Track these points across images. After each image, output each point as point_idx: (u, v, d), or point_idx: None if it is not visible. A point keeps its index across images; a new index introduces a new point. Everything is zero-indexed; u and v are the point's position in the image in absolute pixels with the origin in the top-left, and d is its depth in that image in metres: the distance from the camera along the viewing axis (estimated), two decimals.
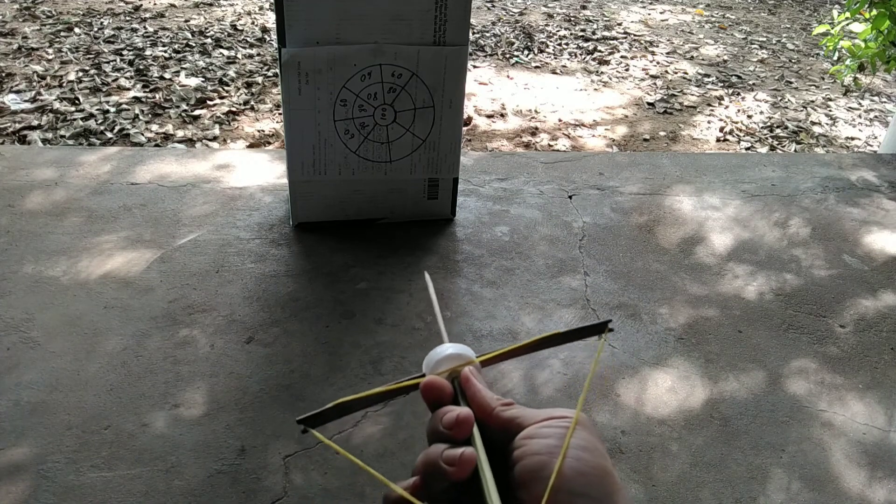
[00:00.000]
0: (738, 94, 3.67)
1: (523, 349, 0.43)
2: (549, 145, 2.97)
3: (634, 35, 4.46)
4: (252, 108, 3.05)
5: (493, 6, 4.81)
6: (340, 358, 1.59)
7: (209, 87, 3.18)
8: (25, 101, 2.90)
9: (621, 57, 4.04)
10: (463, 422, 0.37)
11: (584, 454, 0.35)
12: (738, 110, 3.47)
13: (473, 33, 4.18)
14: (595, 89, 3.57)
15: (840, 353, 1.74)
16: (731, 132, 3.22)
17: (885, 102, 3.78)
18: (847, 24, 2.80)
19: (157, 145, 2.68)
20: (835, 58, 4.23)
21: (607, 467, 0.36)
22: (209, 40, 3.73)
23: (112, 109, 2.89)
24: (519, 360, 1.55)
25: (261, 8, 4.36)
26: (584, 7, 5.00)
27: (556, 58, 3.97)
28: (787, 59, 4.31)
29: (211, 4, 4.34)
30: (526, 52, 4.01)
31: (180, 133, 2.79)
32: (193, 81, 3.22)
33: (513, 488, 0.36)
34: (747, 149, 3.08)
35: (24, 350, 1.55)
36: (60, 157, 2.28)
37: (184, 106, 2.99)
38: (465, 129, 3.02)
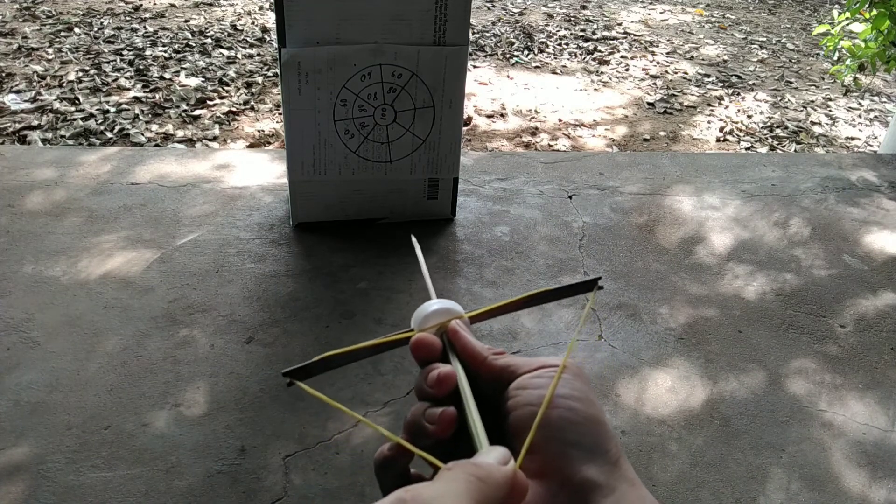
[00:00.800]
0: (738, 94, 3.67)
1: (513, 305, 0.43)
2: (549, 145, 2.97)
3: (634, 35, 4.46)
4: (252, 108, 3.05)
5: (493, 6, 4.81)
6: None
7: (209, 87, 3.18)
8: (25, 101, 2.90)
9: (621, 57, 4.04)
10: (444, 379, 0.37)
11: (576, 404, 0.35)
12: (738, 110, 3.47)
13: (473, 33, 4.18)
14: (595, 89, 3.57)
15: (840, 353, 1.74)
16: (731, 132, 3.22)
17: (885, 102, 3.78)
18: (847, 24, 2.80)
19: (157, 145, 2.68)
20: (835, 58, 4.23)
21: (599, 417, 0.36)
22: (209, 40, 3.73)
23: (112, 109, 2.89)
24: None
25: (261, 8, 4.37)
26: (584, 7, 5.00)
27: (556, 58, 3.97)
28: (787, 59, 4.31)
29: (211, 4, 4.35)
30: (526, 52, 4.01)
31: (180, 133, 2.79)
32: (193, 81, 3.22)
33: (507, 439, 0.36)
34: (747, 149, 3.08)
35: (24, 350, 1.55)
36: (60, 157, 2.28)
37: (184, 106, 2.99)
38: (465, 129, 3.02)
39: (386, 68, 1.82)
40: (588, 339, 1.71)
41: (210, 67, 3.38)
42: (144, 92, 3.08)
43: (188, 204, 2.08)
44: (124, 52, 3.46)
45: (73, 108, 2.87)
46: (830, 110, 3.58)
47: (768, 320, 1.82)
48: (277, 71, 3.22)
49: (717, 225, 2.21)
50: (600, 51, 4.11)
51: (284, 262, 1.88)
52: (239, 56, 3.57)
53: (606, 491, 0.33)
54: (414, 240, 0.49)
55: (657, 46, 4.28)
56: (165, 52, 3.51)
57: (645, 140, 3.08)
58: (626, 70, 3.86)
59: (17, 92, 2.96)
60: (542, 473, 0.34)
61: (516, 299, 0.43)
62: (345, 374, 1.55)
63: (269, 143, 2.80)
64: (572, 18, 4.70)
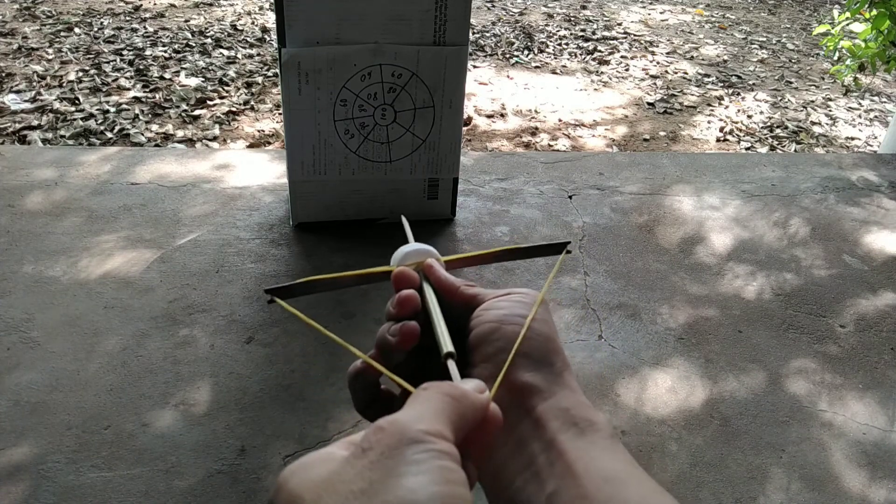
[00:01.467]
0: (738, 94, 3.67)
1: (485, 257, 0.48)
2: (549, 145, 2.97)
3: (634, 35, 4.46)
4: (252, 108, 3.05)
5: (493, 6, 4.81)
6: (340, 358, 1.59)
7: (209, 87, 3.18)
8: (25, 101, 2.90)
9: (621, 57, 4.04)
10: (404, 301, 0.41)
11: (532, 323, 0.39)
12: (738, 110, 3.47)
13: (473, 33, 4.18)
14: (595, 89, 3.57)
15: (840, 353, 1.74)
16: (731, 132, 3.22)
17: (885, 102, 3.78)
18: (848, 24, 2.80)
19: (157, 145, 2.68)
20: (835, 58, 4.23)
21: (551, 335, 0.40)
22: (209, 40, 3.73)
23: (112, 109, 2.89)
24: None
25: (261, 8, 4.37)
26: (584, 7, 5.00)
27: (556, 58, 3.97)
28: (787, 59, 4.31)
29: (211, 4, 4.35)
30: (526, 52, 4.01)
31: (180, 133, 2.79)
32: (193, 81, 3.22)
33: (467, 354, 0.40)
34: (747, 149, 3.08)
35: (24, 350, 1.55)
36: (60, 157, 2.28)
37: (184, 106, 2.99)
38: (465, 129, 3.02)
39: (386, 68, 1.82)
40: (588, 339, 1.71)
41: (210, 67, 3.38)
42: (144, 92, 3.08)
43: (188, 204, 2.08)
44: (124, 52, 3.46)
45: (73, 108, 2.87)
46: (830, 110, 3.58)
47: (768, 320, 1.82)
48: (277, 71, 3.22)
49: (717, 225, 2.21)
50: (600, 51, 4.11)
51: (284, 262, 1.88)
52: (239, 56, 3.57)
53: (546, 394, 0.37)
54: (403, 218, 0.52)
55: (657, 46, 4.28)
56: (165, 52, 3.52)
57: (645, 140, 3.08)
58: (626, 70, 3.86)
59: (17, 92, 2.96)
60: (491, 378, 0.38)
61: (489, 252, 0.48)
62: (345, 374, 1.55)
63: (269, 143, 2.80)
64: (572, 18, 4.70)
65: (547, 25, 4.50)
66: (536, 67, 3.80)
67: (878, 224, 2.28)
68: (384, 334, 0.40)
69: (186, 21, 4.00)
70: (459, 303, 0.43)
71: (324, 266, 1.88)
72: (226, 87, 3.21)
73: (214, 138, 2.79)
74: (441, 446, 0.28)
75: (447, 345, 0.38)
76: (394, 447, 0.27)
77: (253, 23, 4.08)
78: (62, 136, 2.67)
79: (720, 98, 3.59)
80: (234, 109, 3.01)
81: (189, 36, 3.76)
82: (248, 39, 3.81)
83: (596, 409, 0.38)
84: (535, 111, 3.26)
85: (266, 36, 3.88)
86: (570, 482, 0.34)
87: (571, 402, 0.37)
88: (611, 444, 0.36)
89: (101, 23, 3.82)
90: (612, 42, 4.28)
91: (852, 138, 3.30)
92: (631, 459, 0.36)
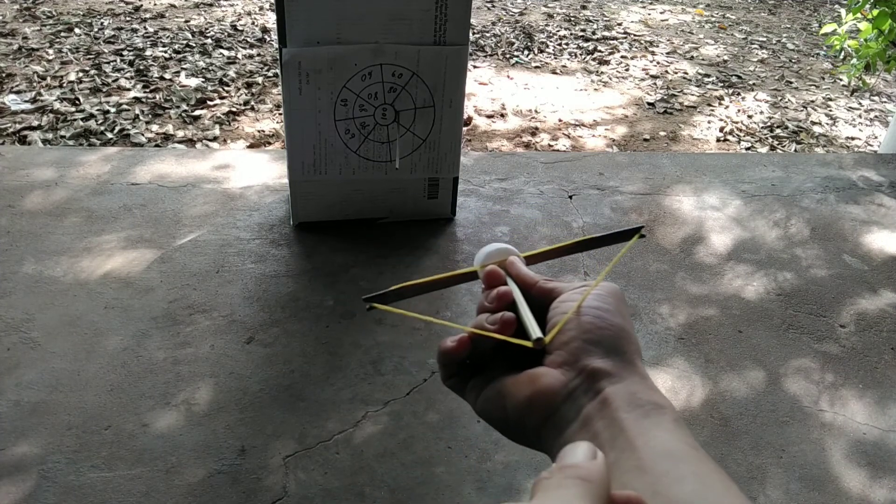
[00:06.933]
0: (738, 94, 3.67)
1: (562, 250, 0.51)
2: (549, 145, 2.97)
3: (634, 35, 4.46)
4: (252, 108, 3.05)
5: (493, 6, 4.81)
6: (340, 358, 1.59)
7: (209, 88, 3.18)
8: (26, 101, 2.90)
9: (621, 57, 4.04)
10: (501, 296, 0.45)
11: (605, 314, 0.42)
12: (738, 110, 3.47)
13: (473, 33, 4.18)
14: (595, 89, 3.57)
15: (840, 352, 1.74)
16: (731, 132, 3.22)
17: (885, 102, 3.78)
18: (856, 23, 2.80)
19: (157, 145, 2.68)
20: (840, 57, 4.23)
21: (626, 328, 0.42)
22: (209, 40, 3.73)
23: (112, 110, 2.89)
24: None
25: (261, 8, 4.37)
26: (584, 7, 5.00)
27: (556, 58, 3.97)
28: (787, 59, 4.31)
29: (211, 4, 4.35)
30: (526, 52, 4.01)
31: (180, 133, 2.79)
32: (193, 82, 3.22)
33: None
34: (747, 149, 3.08)
35: (24, 350, 1.55)
36: (60, 157, 2.29)
37: (184, 106, 2.99)
38: (465, 129, 3.02)
39: (386, 68, 1.82)
40: None
41: (210, 68, 3.38)
42: (144, 92, 3.08)
43: (188, 204, 2.08)
44: (124, 53, 3.46)
45: (73, 109, 2.88)
46: (830, 110, 3.58)
47: (768, 320, 1.82)
48: (278, 71, 3.22)
49: (717, 225, 2.21)
50: (600, 51, 4.11)
51: (284, 262, 1.88)
52: (239, 56, 3.57)
53: (615, 379, 0.39)
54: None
55: (657, 46, 4.28)
56: (165, 52, 3.52)
57: (645, 140, 3.08)
58: (626, 70, 3.86)
59: (18, 92, 2.97)
60: (565, 363, 0.41)
61: (566, 244, 0.51)
62: (345, 374, 1.55)
63: (270, 143, 2.80)
64: (572, 18, 4.70)
65: (547, 25, 4.50)
66: (536, 67, 3.80)
67: (879, 224, 2.28)
68: (482, 323, 0.43)
69: (186, 21, 4.00)
70: (538, 296, 0.46)
71: (324, 266, 1.88)
72: (226, 88, 3.21)
73: (214, 138, 2.79)
74: None
75: (535, 331, 0.41)
76: None
77: (253, 23, 4.08)
78: (62, 137, 2.67)
79: (720, 98, 3.59)
80: (234, 109, 3.01)
81: (189, 36, 3.76)
82: (249, 39, 3.81)
83: (663, 395, 0.40)
84: (535, 111, 3.26)
85: (266, 36, 3.88)
86: (629, 454, 0.35)
87: (639, 387, 0.39)
88: (674, 426, 0.37)
89: (102, 23, 3.82)
90: (612, 42, 4.28)
91: (852, 138, 3.30)
92: (694, 442, 0.37)
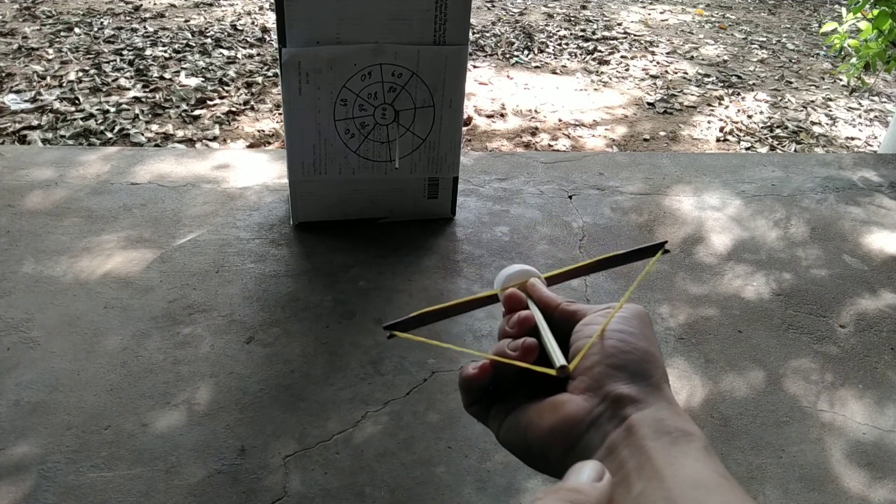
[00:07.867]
0: (738, 94, 3.67)
1: (584, 269, 0.49)
2: (549, 145, 2.97)
3: (634, 35, 4.46)
4: (252, 108, 3.05)
5: (493, 6, 4.81)
6: (340, 358, 1.59)
7: (209, 87, 3.18)
8: (25, 101, 2.90)
9: (621, 57, 4.04)
10: (523, 321, 0.44)
11: (630, 338, 0.41)
12: (738, 110, 3.47)
13: (473, 33, 4.18)
14: (595, 89, 3.57)
15: (840, 353, 1.74)
16: (731, 132, 3.22)
17: (885, 102, 3.78)
18: (856, 23, 2.80)
19: (157, 145, 2.68)
20: (841, 57, 4.23)
21: (652, 352, 0.41)
22: (209, 40, 3.73)
23: (112, 109, 2.89)
24: None
25: (261, 8, 4.37)
26: (584, 7, 5.00)
27: (556, 58, 3.97)
28: (787, 59, 4.31)
29: (211, 4, 4.35)
30: (526, 52, 4.01)
31: (180, 133, 2.79)
32: (193, 81, 3.22)
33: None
34: (747, 149, 3.08)
35: (24, 350, 1.55)
36: (60, 157, 2.28)
37: (184, 106, 2.99)
38: (465, 128, 3.02)
39: (386, 68, 1.82)
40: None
41: (210, 67, 3.38)
42: (144, 92, 3.08)
43: (188, 204, 2.08)
44: (124, 52, 3.46)
45: (73, 108, 2.87)
46: (830, 110, 3.58)
47: (768, 320, 1.82)
48: (277, 71, 3.22)
49: (717, 225, 2.21)
50: (600, 51, 4.10)
51: (284, 262, 1.88)
52: (239, 56, 3.57)
53: (641, 405, 0.38)
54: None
55: (657, 46, 4.28)
56: (165, 52, 3.51)
57: (645, 140, 3.08)
58: (626, 70, 3.86)
59: (17, 92, 2.96)
60: (588, 390, 0.40)
61: (586, 263, 0.49)
62: (345, 374, 1.55)
63: (269, 143, 2.80)
64: (572, 18, 4.70)
65: (547, 25, 4.50)
66: (536, 67, 3.80)
67: (878, 224, 2.28)
68: (504, 349, 0.43)
69: (186, 21, 4.00)
70: (561, 319, 0.45)
71: (324, 266, 1.88)
72: (226, 87, 3.21)
73: (214, 138, 2.79)
74: None
75: (559, 358, 0.40)
76: None
77: (253, 23, 4.08)
78: (62, 136, 2.67)
79: (720, 98, 3.59)
80: (234, 109, 3.01)
81: (189, 36, 3.76)
82: (248, 39, 3.81)
83: (691, 422, 0.38)
84: (535, 111, 3.26)
85: (266, 36, 3.87)
86: (657, 485, 0.34)
87: (666, 413, 0.38)
88: (704, 455, 0.36)
89: (101, 23, 3.82)
90: (612, 42, 4.28)
91: (852, 138, 3.30)
92: (724, 471, 0.36)
